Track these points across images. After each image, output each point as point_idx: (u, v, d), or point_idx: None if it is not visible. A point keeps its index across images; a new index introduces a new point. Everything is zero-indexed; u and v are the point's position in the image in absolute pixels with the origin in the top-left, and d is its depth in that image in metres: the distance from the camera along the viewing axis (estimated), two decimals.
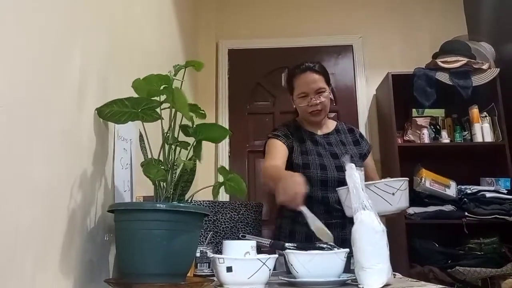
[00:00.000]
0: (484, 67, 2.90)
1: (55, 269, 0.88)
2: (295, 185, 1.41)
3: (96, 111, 1.09)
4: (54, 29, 0.91)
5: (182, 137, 1.08)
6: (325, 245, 1.21)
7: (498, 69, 2.90)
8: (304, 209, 1.43)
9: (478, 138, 2.91)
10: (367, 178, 1.77)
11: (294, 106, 1.88)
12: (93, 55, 1.12)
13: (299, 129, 1.85)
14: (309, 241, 1.60)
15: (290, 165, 1.74)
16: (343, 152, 1.77)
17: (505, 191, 2.74)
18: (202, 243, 1.44)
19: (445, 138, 3.00)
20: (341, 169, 1.70)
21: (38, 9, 0.84)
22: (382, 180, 1.51)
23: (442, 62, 2.96)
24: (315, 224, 1.43)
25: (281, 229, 1.79)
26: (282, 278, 1.15)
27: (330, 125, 1.89)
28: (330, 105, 1.84)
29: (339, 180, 1.68)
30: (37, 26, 0.84)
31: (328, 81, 1.80)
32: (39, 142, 0.83)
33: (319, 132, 1.84)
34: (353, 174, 1.17)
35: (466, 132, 3.01)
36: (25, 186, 0.78)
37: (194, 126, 1.08)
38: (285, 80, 1.90)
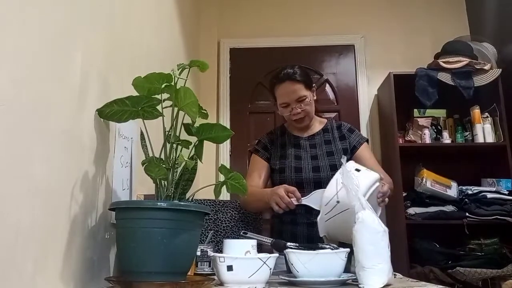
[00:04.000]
0: (486, 67, 2.90)
1: (56, 268, 0.88)
2: (276, 193, 1.54)
3: (96, 112, 1.09)
4: (55, 29, 0.91)
5: (183, 136, 1.08)
6: (326, 245, 1.21)
7: (500, 70, 2.89)
8: (303, 201, 1.51)
9: (480, 139, 2.90)
10: None
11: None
12: (93, 54, 1.12)
13: (284, 134, 1.88)
14: (294, 239, 1.62)
15: (272, 171, 1.83)
16: (324, 152, 1.77)
17: (506, 192, 2.74)
18: (202, 242, 1.44)
19: (446, 139, 2.99)
20: (317, 169, 1.72)
21: (38, 8, 0.84)
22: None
23: (444, 62, 2.95)
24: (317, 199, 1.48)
25: (273, 229, 1.83)
26: (283, 278, 1.15)
27: (318, 125, 1.88)
28: (315, 107, 1.84)
29: (315, 181, 1.70)
30: (38, 26, 0.84)
31: (309, 86, 1.77)
32: (40, 142, 0.83)
33: (305, 135, 1.85)
34: (350, 175, 1.16)
35: (467, 133, 3.00)
36: (26, 185, 0.78)
37: (197, 125, 1.08)
38: (268, 88, 1.88)
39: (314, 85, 1.83)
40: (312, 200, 1.51)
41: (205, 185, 1.16)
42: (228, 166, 1.21)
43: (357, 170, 1.35)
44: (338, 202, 1.30)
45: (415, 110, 3.04)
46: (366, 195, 1.29)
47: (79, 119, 1.01)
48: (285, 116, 1.82)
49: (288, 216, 1.66)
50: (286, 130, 1.89)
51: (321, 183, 1.69)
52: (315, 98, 1.82)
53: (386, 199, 1.47)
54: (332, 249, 1.16)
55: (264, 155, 1.83)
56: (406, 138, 3.05)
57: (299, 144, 1.82)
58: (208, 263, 1.38)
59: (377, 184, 1.39)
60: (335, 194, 1.31)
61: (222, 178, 1.10)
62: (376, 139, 3.32)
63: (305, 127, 1.84)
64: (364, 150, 1.81)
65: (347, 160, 1.73)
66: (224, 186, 1.10)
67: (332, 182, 1.35)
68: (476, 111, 2.95)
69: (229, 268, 1.04)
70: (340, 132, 1.84)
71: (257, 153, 1.85)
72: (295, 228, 1.69)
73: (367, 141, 1.85)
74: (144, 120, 1.08)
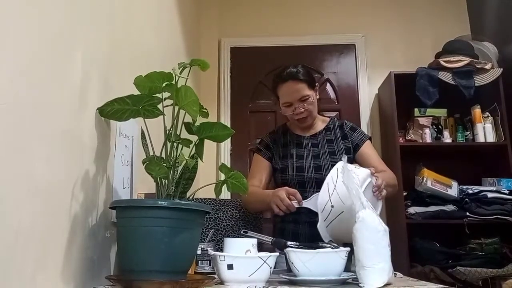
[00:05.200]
0: (487, 67, 2.89)
1: (56, 267, 0.89)
2: (277, 195, 1.54)
3: (97, 111, 1.09)
4: (55, 29, 0.91)
5: (184, 134, 1.08)
6: (327, 245, 1.21)
7: (501, 69, 2.89)
8: (304, 204, 1.50)
9: (480, 138, 2.90)
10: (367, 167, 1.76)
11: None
12: (94, 54, 1.12)
13: (287, 133, 1.88)
14: (296, 238, 1.62)
15: (274, 171, 1.83)
16: (326, 151, 1.78)
17: (507, 192, 2.73)
18: (203, 240, 1.44)
19: (447, 138, 2.99)
20: (319, 169, 1.72)
21: (39, 8, 0.84)
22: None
23: (445, 61, 2.95)
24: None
25: (275, 228, 1.83)
26: (283, 276, 1.15)
27: (321, 124, 1.88)
28: (319, 106, 1.85)
29: (317, 181, 1.69)
30: (38, 26, 0.84)
31: (312, 85, 1.78)
32: (40, 141, 0.83)
33: (307, 134, 1.85)
34: (351, 174, 1.16)
35: (468, 132, 3.00)
36: (26, 185, 0.78)
37: (198, 124, 1.08)
38: (271, 87, 1.88)
39: (317, 84, 1.83)
40: (313, 203, 1.50)
41: (205, 184, 1.16)
42: (228, 165, 1.21)
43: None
44: (332, 206, 1.31)
45: (416, 109, 3.03)
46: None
47: (80, 118, 1.02)
48: (287, 115, 1.82)
49: (290, 215, 1.66)
50: (289, 129, 1.89)
51: (323, 183, 1.69)
52: (317, 97, 1.82)
53: (384, 192, 1.46)
54: (332, 248, 1.16)
55: (267, 154, 1.83)
56: (406, 138, 3.04)
57: (301, 143, 1.82)
58: (208, 261, 1.38)
59: (369, 179, 1.40)
60: (328, 199, 1.32)
61: (222, 177, 1.10)
62: (376, 138, 3.31)
63: (307, 126, 1.84)
64: (367, 148, 1.80)
65: (350, 159, 1.74)
66: (225, 185, 1.10)
67: (324, 187, 1.36)
68: (476, 111, 2.94)
69: (230, 267, 1.05)
70: (342, 131, 1.84)
71: (259, 152, 1.85)
72: (297, 227, 1.69)
73: (370, 138, 1.85)
74: (145, 119, 1.08)
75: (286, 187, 1.58)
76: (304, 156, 1.78)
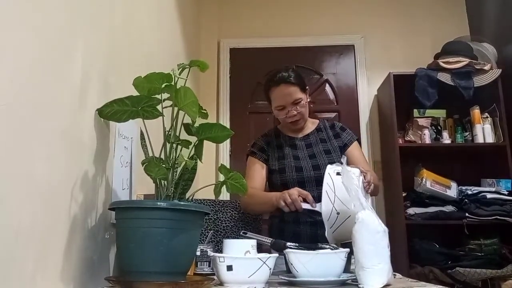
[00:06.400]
0: (486, 68, 2.90)
1: (56, 267, 0.89)
2: (288, 192, 1.53)
3: (96, 111, 1.09)
4: (55, 29, 0.91)
5: (183, 135, 1.08)
6: (327, 246, 1.21)
7: (500, 70, 2.89)
8: (317, 208, 1.47)
9: (479, 139, 2.90)
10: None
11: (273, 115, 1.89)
12: (94, 54, 1.12)
13: (279, 136, 1.90)
14: (297, 239, 1.62)
15: (270, 173, 1.82)
16: (321, 150, 1.80)
17: (506, 192, 2.74)
18: (202, 241, 1.44)
19: (446, 139, 2.99)
20: (318, 167, 1.73)
21: (39, 8, 0.84)
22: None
23: (444, 62, 2.95)
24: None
25: (272, 229, 1.82)
26: (283, 277, 1.15)
27: (311, 126, 1.90)
28: (309, 109, 1.86)
29: (316, 179, 1.70)
30: (38, 26, 0.84)
31: (303, 88, 1.80)
32: (40, 141, 0.83)
33: (300, 135, 1.87)
34: (351, 176, 1.16)
35: (467, 133, 3.00)
36: (26, 185, 0.78)
37: (197, 125, 1.09)
38: (263, 91, 1.88)
39: (307, 87, 1.84)
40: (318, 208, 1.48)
41: (205, 185, 1.16)
42: (228, 166, 1.21)
43: (338, 173, 1.36)
44: (338, 213, 1.32)
45: (415, 110, 3.04)
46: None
47: (79, 119, 1.02)
48: (280, 118, 1.84)
49: (290, 215, 1.66)
50: (280, 132, 1.91)
51: (322, 181, 1.70)
52: (309, 100, 1.83)
53: (372, 186, 1.49)
54: (332, 249, 1.16)
55: (262, 156, 1.84)
56: (406, 138, 3.05)
57: (295, 144, 1.84)
58: (207, 263, 1.38)
59: (361, 177, 1.41)
60: (332, 208, 1.33)
61: (222, 178, 1.10)
62: (376, 139, 3.31)
63: (299, 128, 1.86)
64: (355, 148, 1.84)
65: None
66: (224, 186, 1.10)
67: (324, 197, 1.36)
68: (476, 112, 2.95)
69: (229, 268, 1.04)
70: (334, 130, 1.88)
71: (254, 155, 1.86)
72: (297, 227, 1.69)
73: (357, 140, 1.88)
74: (144, 120, 1.08)
75: (298, 188, 1.58)
76: (300, 157, 1.79)
